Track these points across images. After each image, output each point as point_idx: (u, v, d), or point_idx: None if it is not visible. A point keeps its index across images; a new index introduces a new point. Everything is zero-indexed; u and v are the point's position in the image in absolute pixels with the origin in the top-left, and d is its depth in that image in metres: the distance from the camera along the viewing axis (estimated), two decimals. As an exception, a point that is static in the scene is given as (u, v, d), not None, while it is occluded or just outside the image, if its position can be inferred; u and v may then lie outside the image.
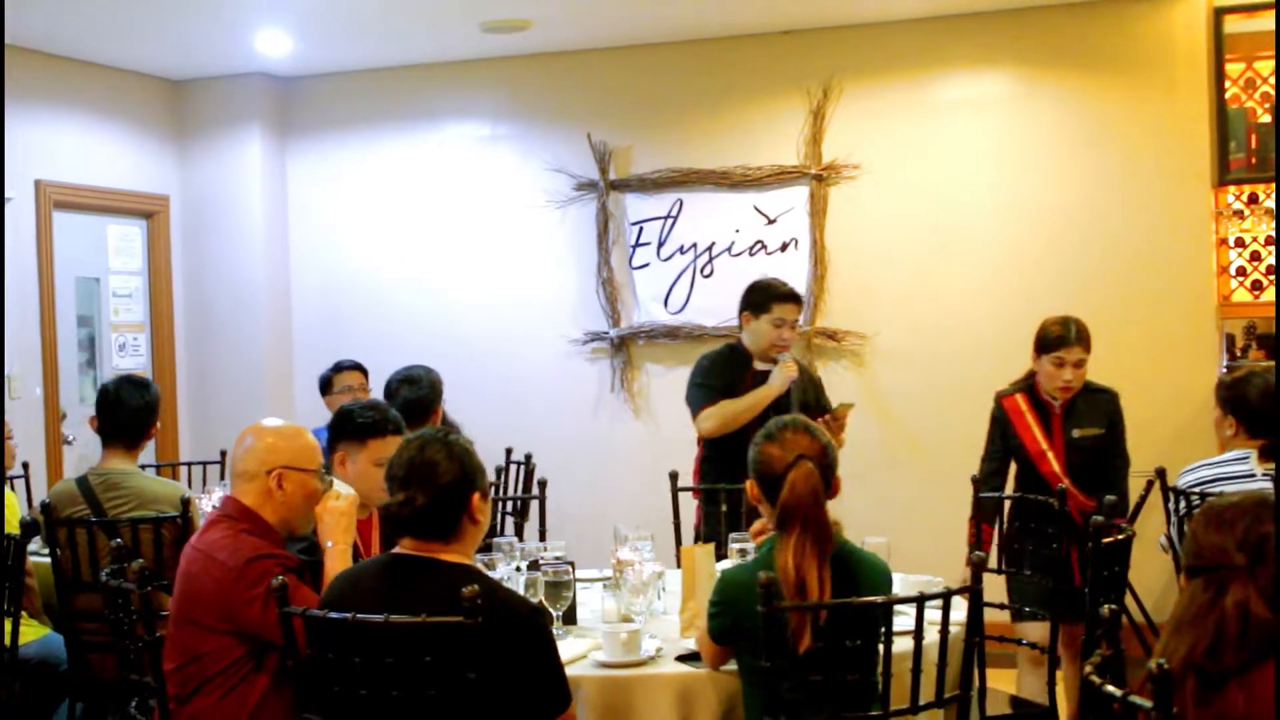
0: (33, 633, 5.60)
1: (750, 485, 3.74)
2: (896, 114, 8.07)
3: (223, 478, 7.22)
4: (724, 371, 6.04)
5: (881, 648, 3.49)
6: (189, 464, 8.15)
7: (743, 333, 6.11)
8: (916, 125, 8.02)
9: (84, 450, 7.75)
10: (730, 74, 8.35)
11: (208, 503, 5.43)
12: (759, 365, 6.04)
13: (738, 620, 3.54)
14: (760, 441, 3.72)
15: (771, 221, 8.24)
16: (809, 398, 6.10)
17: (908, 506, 7.69)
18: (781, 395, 5.92)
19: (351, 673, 3.22)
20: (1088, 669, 2.60)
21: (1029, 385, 5.82)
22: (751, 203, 8.27)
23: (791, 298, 6.07)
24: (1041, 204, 7.80)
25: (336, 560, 4.04)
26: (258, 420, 4.19)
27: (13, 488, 6.18)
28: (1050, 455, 5.72)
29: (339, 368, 7.41)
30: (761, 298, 6.04)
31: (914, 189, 8.02)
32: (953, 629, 3.67)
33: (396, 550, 3.49)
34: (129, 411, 5.79)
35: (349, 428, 4.51)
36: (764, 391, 5.91)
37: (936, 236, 7.98)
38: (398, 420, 4.64)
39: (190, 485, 7.38)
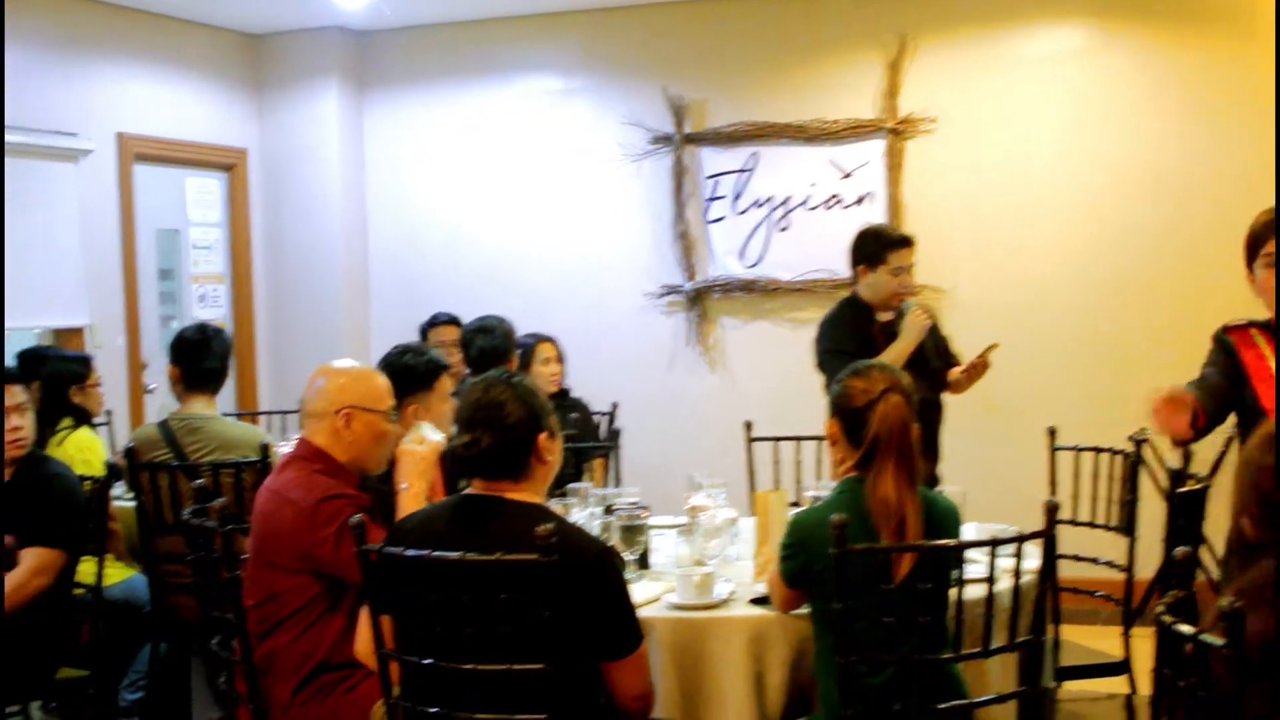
0: (117, 575, 5.70)
1: (829, 424, 3.74)
2: (973, 67, 8.00)
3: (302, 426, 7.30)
4: (853, 333, 5.78)
5: (954, 591, 3.48)
6: (268, 413, 8.26)
7: (859, 285, 5.86)
8: (993, 79, 7.96)
9: (164, 399, 7.84)
10: (807, 27, 8.31)
11: (286, 449, 5.49)
12: (882, 316, 5.82)
13: (809, 562, 3.54)
14: (844, 378, 3.71)
15: (847, 175, 8.20)
16: (941, 344, 5.97)
17: (981, 460, 7.66)
18: (917, 348, 5.72)
19: (425, 611, 3.26)
20: (1160, 608, 2.59)
21: (1267, 322, 4.25)
22: (827, 156, 8.24)
23: (905, 242, 5.84)
24: (1119, 157, 7.73)
25: (409, 502, 4.07)
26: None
27: (97, 434, 6.28)
28: None
29: (436, 321, 7.42)
30: (875, 248, 5.80)
31: (991, 143, 7.96)
32: (1025, 577, 3.67)
33: (466, 491, 3.53)
34: (213, 357, 5.87)
35: (414, 378, 4.50)
36: (901, 345, 5.65)
37: (1014, 190, 7.92)
38: (440, 358, 4.68)
39: (269, 433, 7.46)
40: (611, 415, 7.20)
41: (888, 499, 3.52)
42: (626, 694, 3.41)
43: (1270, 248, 4.06)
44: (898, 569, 3.44)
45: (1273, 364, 4.03)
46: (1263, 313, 4.07)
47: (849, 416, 3.65)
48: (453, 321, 7.41)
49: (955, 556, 3.50)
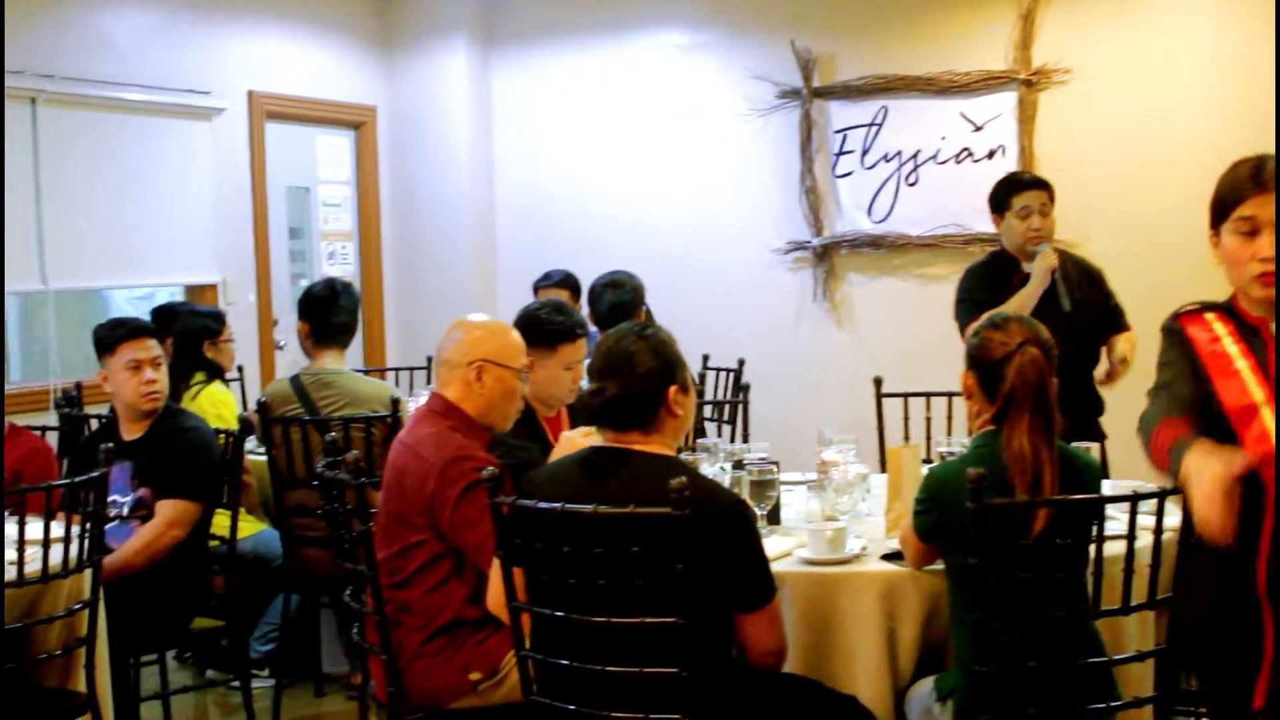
0: (249, 528, 5.77)
1: (965, 377, 3.67)
2: (1110, 16, 7.82)
3: (428, 382, 7.34)
4: (987, 283, 5.65)
5: (1092, 547, 3.41)
6: (395, 369, 8.31)
7: (1002, 238, 5.77)
8: (1131, 28, 7.77)
9: (294, 355, 7.94)
10: (937, -24, 8.19)
11: (415, 405, 5.51)
12: (1027, 267, 5.63)
13: (944, 517, 3.49)
14: (981, 329, 3.64)
15: (978, 128, 8.08)
16: (1087, 293, 5.66)
17: (1117, 417, 7.51)
18: (1049, 291, 5.50)
19: (555, 563, 3.26)
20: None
21: (1227, 304, 3.38)
22: (958, 109, 8.12)
23: (1032, 184, 5.70)
24: (1263, 109, 7.50)
25: None
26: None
27: (229, 388, 6.36)
28: (1269, 419, 3.06)
29: (549, 279, 7.41)
30: (1001, 193, 5.70)
31: (1128, 94, 7.78)
32: (1166, 534, 3.59)
33: (596, 444, 3.52)
34: (342, 311, 5.92)
35: (538, 334, 4.49)
36: (1026, 291, 5.48)
37: (1151, 142, 7.74)
38: (584, 322, 4.67)
39: (397, 389, 7.51)
40: (738, 372, 7.17)
41: (1023, 453, 3.45)
42: (759, 648, 3.38)
43: (1247, 209, 3.20)
44: (1034, 524, 3.38)
45: (1233, 353, 3.16)
46: (1217, 287, 3.50)
47: (985, 369, 3.59)
48: (564, 283, 7.37)
49: (1093, 512, 3.43)
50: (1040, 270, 5.52)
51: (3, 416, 4.90)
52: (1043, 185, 5.71)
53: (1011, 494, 3.43)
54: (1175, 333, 3.33)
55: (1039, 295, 5.49)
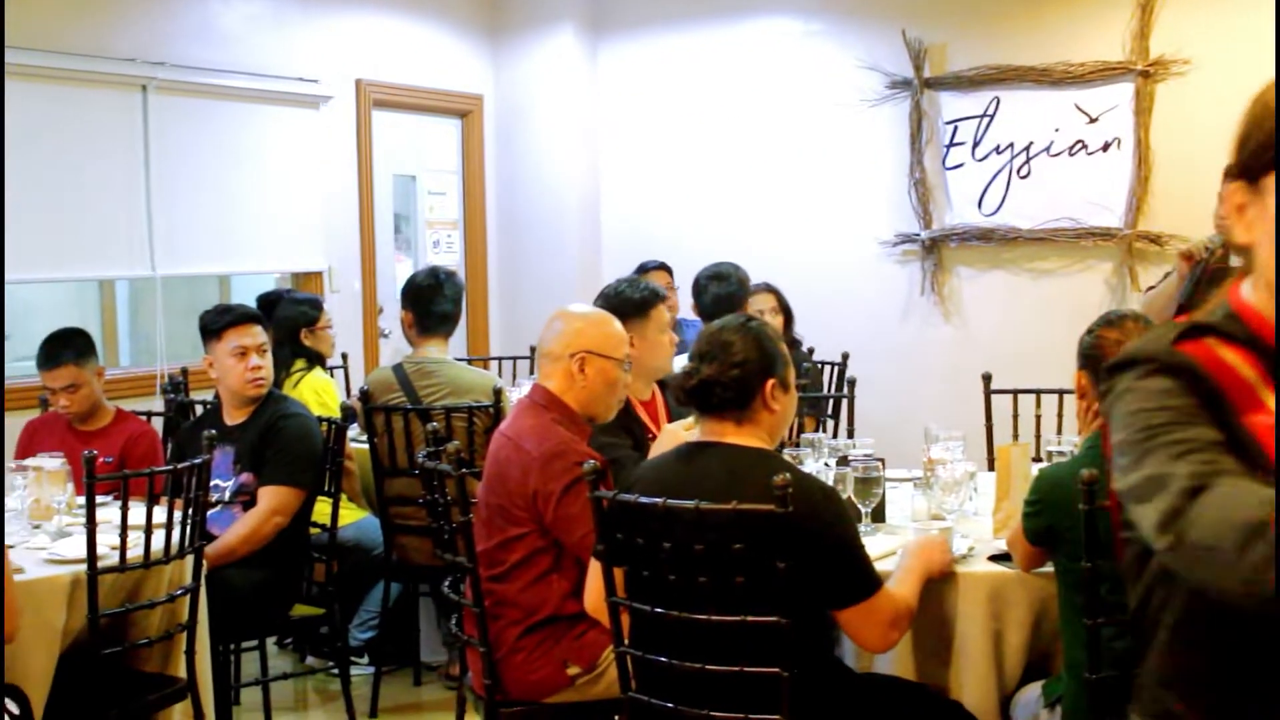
0: (350, 516, 5.79)
1: (1078, 376, 3.58)
2: (1230, 4, 7.61)
3: (531, 372, 7.33)
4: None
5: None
6: (499, 359, 8.31)
7: None
8: (1252, 16, 7.54)
9: (398, 344, 7.95)
10: (1052, -35, 8.04)
11: (517, 395, 5.49)
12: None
13: (1055, 520, 3.40)
14: (1096, 328, 3.55)
15: (1093, 120, 7.91)
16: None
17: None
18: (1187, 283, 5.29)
19: (650, 559, 3.21)
20: None
21: (1225, 320, 1.97)
22: (1072, 101, 7.96)
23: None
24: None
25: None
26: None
27: (332, 376, 6.38)
28: None
29: (644, 269, 7.43)
30: None
31: (1249, 85, 7.23)
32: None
33: (693, 436, 3.50)
34: (445, 300, 5.91)
35: (627, 307, 4.51)
36: (1164, 283, 5.41)
37: (1272, 136, 7.53)
38: (659, 288, 4.71)
39: (500, 379, 7.51)
40: (843, 366, 7.09)
41: None
42: (862, 646, 3.32)
43: None
44: None
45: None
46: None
47: (1099, 368, 3.49)
48: (663, 267, 7.43)
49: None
50: (1177, 261, 5.38)
51: (2, 412, 4.94)
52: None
53: (1125, 497, 3.32)
54: (1185, 369, 1.90)
55: (1178, 287, 5.34)
